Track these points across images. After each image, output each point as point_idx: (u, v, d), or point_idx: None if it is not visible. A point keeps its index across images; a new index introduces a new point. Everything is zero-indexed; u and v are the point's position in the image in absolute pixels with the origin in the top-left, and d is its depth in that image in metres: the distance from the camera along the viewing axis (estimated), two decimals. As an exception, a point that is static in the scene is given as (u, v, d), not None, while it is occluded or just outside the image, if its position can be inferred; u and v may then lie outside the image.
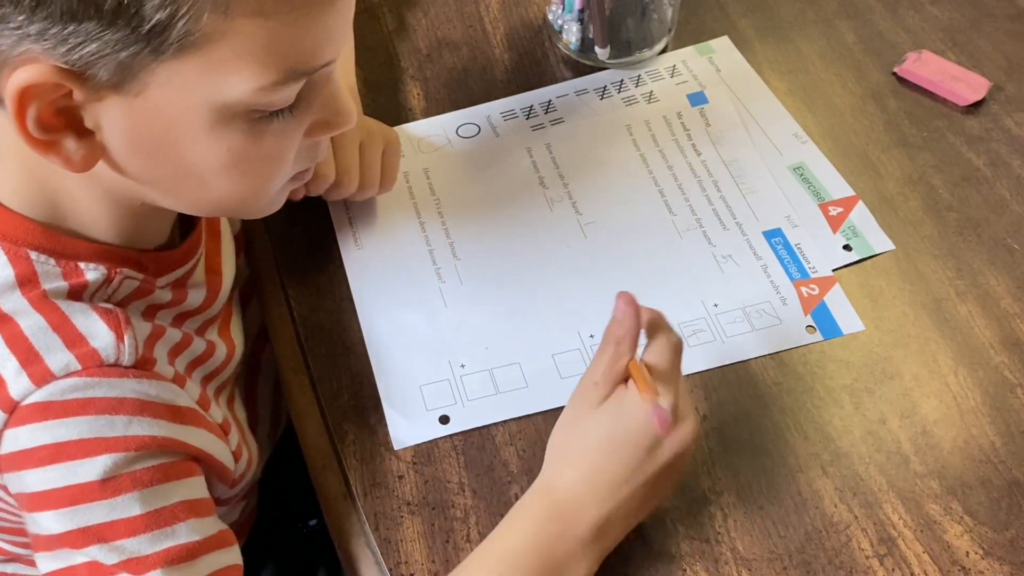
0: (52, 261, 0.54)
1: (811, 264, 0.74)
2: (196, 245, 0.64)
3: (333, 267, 0.76)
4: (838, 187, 0.79)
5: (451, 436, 0.67)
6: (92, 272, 0.55)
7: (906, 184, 0.79)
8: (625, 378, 0.61)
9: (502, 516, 0.63)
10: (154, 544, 0.52)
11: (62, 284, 0.54)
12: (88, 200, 0.55)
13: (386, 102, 0.87)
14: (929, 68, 0.86)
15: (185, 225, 0.65)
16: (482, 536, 0.62)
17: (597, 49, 0.88)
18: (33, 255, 0.54)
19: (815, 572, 0.61)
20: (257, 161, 0.53)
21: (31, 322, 0.52)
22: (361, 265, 0.76)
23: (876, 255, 0.75)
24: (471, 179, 0.82)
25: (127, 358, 0.53)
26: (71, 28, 0.44)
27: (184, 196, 0.56)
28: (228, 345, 0.67)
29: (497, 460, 0.66)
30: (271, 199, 0.59)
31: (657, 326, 0.62)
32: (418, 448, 0.66)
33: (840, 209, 0.78)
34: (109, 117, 0.49)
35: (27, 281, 0.53)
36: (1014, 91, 0.85)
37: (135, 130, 0.49)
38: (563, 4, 0.88)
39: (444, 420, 0.67)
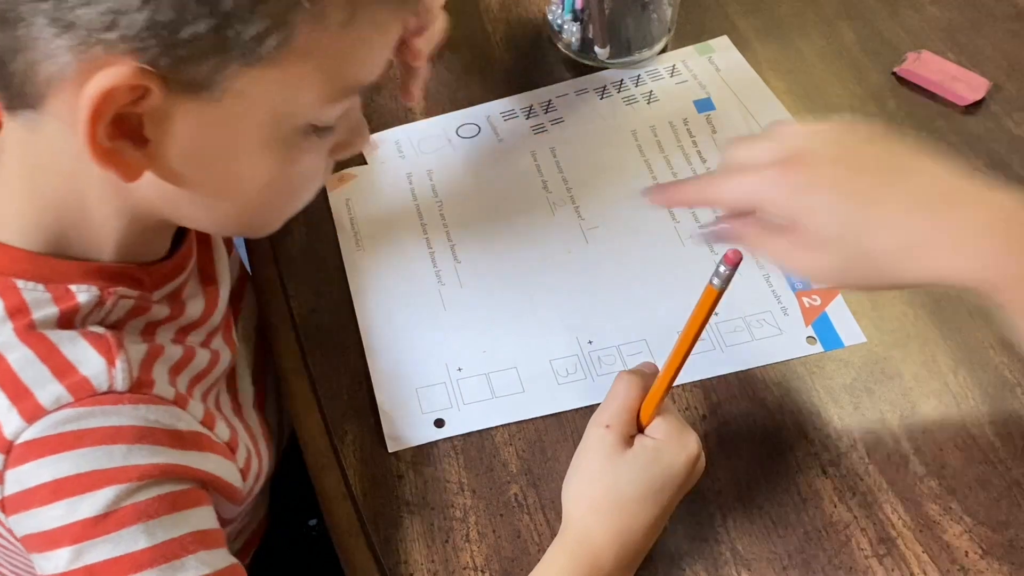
0: (41, 287, 0.52)
1: None
2: (188, 255, 0.62)
3: (333, 267, 0.76)
4: (838, 187, 0.79)
5: (451, 437, 0.67)
6: (83, 294, 0.53)
7: (906, 184, 0.79)
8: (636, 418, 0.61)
9: (501, 516, 0.63)
10: None
11: (52, 311, 0.52)
12: (103, 218, 0.54)
13: (386, 102, 0.87)
14: (929, 68, 0.86)
15: (175, 237, 0.63)
16: (481, 536, 0.63)
17: (597, 49, 0.88)
18: (20, 284, 0.52)
19: (814, 572, 0.61)
20: (295, 179, 0.53)
21: (18, 355, 0.50)
22: (361, 266, 0.76)
23: (876, 255, 0.75)
24: (474, 181, 0.82)
25: (121, 383, 0.51)
26: (177, 28, 0.43)
27: (216, 212, 0.54)
28: (231, 349, 0.66)
29: (496, 460, 0.66)
30: (287, 219, 0.59)
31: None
32: (418, 448, 0.67)
33: (840, 209, 0.78)
34: (174, 125, 0.47)
35: (16, 312, 0.51)
36: (1014, 91, 0.85)
37: (197, 140, 0.48)
38: (563, 4, 0.88)
39: (439, 424, 0.67)
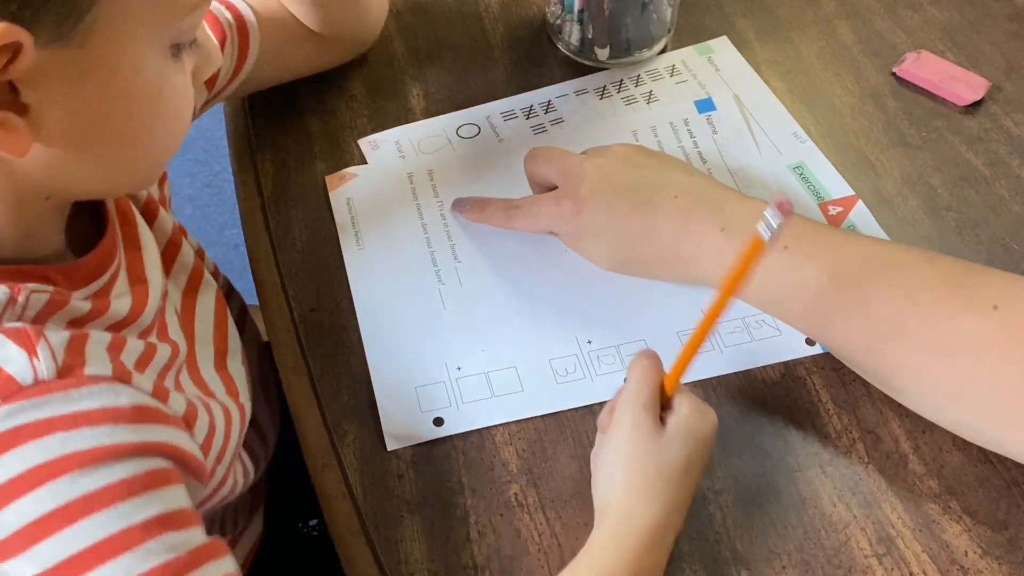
0: None
1: None
2: (109, 254, 0.60)
3: (333, 267, 0.77)
4: (838, 187, 0.79)
5: (451, 436, 0.67)
6: None
7: (905, 184, 0.79)
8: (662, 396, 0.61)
9: (502, 516, 0.63)
10: (128, 570, 0.47)
11: None
12: None
13: (386, 102, 0.88)
14: (928, 68, 0.86)
15: (88, 237, 0.61)
16: (481, 536, 0.63)
17: (597, 49, 0.88)
18: None
19: (814, 571, 0.61)
20: (173, 107, 0.53)
21: None
22: (362, 265, 0.76)
23: (875, 255, 0.75)
24: (474, 181, 0.82)
25: (46, 372, 0.49)
26: None
27: (109, 167, 0.54)
28: (171, 346, 0.63)
29: (497, 460, 0.66)
30: (170, 158, 0.59)
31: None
32: (418, 448, 0.67)
33: (840, 208, 0.78)
34: (51, 81, 0.47)
35: None
36: (1013, 91, 0.85)
37: (76, 90, 0.48)
38: (563, 4, 0.88)
39: (438, 422, 0.67)
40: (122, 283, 0.61)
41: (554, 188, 0.74)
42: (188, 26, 0.52)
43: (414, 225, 0.79)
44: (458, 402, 0.68)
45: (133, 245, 0.64)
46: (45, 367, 0.49)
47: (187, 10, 0.51)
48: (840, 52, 0.90)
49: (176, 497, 0.51)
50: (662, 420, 0.60)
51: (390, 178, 0.82)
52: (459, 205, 0.78)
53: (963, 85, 0.85)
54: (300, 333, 0.73)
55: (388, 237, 0.78)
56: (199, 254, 0.73)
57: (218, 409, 0.63)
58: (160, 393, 0.55)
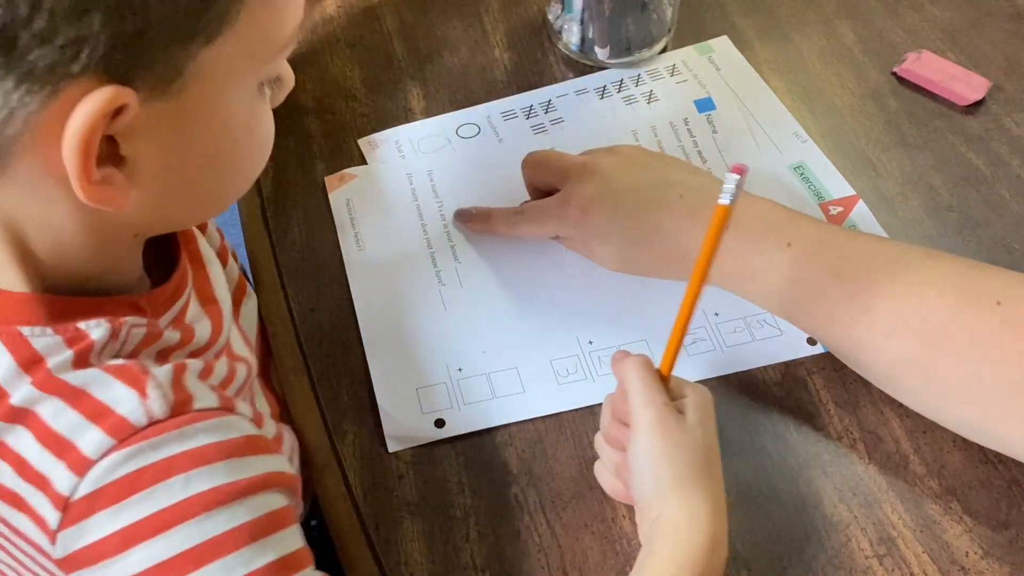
0: (49, 331, 0.49)
1: None
2: (185, 277, 0.60)
3: (333, 267, 0.76)
4: (838, 186, 0.79)
5: (451, 437, 0.67)
6: (96, 330, 0.50)
7: (906, 184, 0.79)
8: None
9: (502, 516, 0.63)
10: None
11: (67, 354, 0.49)
12: (73, 247, 0.51)
13: (386, 102, 0.87)
14: (929, 68, 0.86)
15: (154, 262, 0.61)
16: (481, 536, 0.63)
17: (597, 49, 0.88)
18: (26, 331, 0.49)
19: (815, 572, 0.61)
20: (264, 134, 0.53)
21: (48, 409, 0.48)
22: (362, 266, 0.76)
23: (876, 255, 0.75)
24: (474, 182, 0.82)
25: (160, 411, 0.48)
26: (142, 32, 0.41)
27: (201, 201, 0.53)
28: (243, 363, 0.63)
29: (497, 460, 0.66)
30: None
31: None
32: (418, 448, 0.67)
33: (841, 208, 0.78)
34: (149, 131, 0.46)
35: (31, 363, 0.48)
36: (1014, 91, 0.85)
37: (173, 138, 0.47)
38: (563, 4, 0.88)
39: (439, 424, 0.67)
40: (195, 305, 0.60)
41: (553, 193, 0.74)
42: (277, 66, 0.51)
43: (414, 226, 0.79)
44: (459, 403, 0.68)
45: (197, 262, 0.63)
46: (158, 406, 0.48)
47: (277, 52, 0.50)
48: (841, 52, 0.89)
49: (294, 539, 0.51)
50: (683, 405, 0.59)
51: (389, 179, 0.82)
52: (462, 217, 0.78)
53: (964, 85, 0.85)
54: (300, 333, 0.73)
55: (388, 238, 0.78)
56: (239, 264, 0.74)
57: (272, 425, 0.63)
58: (258, 420, 0.55)
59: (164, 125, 0.46)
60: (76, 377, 0.48)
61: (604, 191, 0.70)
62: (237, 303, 0.72)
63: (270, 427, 0.58)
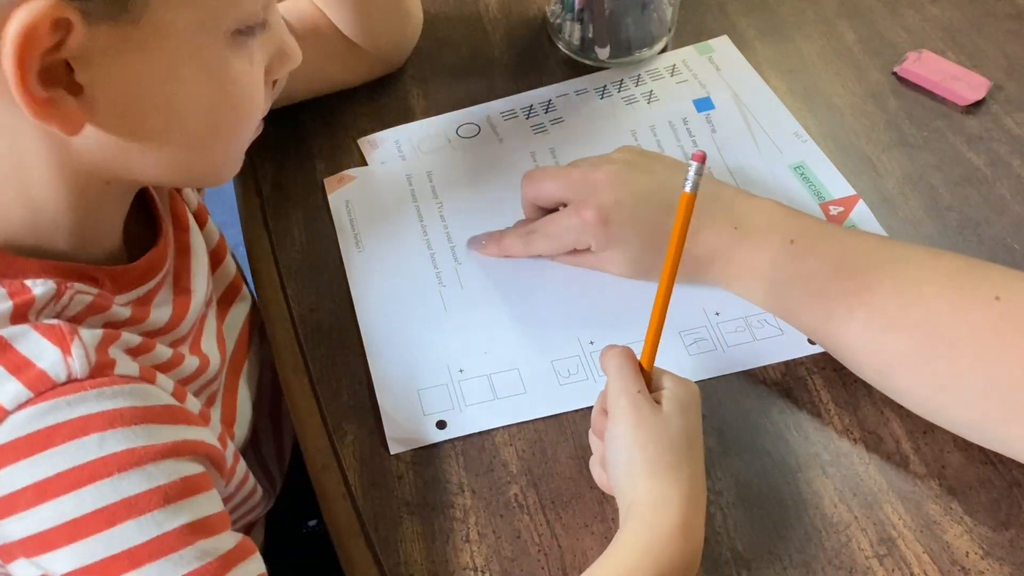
0: None
1: None
2: (160, 260, 0.60)
3: (333, 267, 0.76)
4: (839, 186, 0.79)
5: (452, 438, 0.67)
6: (39, 287, 0.51)
7: (906, 184, 0.79)
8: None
9: (502, 516, 0.63)
10: (162, 575, 0.49)
11: (6, 306, 0.50)
12: (46, 193, 0.52)
13: (386, 102, 0.87)
14: (929, 68, 0.86)
15: (142, 241, 0.61)
16: (481, 536, 0.63)
17: (597, 49, 0.88)
18: None
19: (815, 572, 0.61)
20: (234, 96, 0.52)
21: None
22: (362, 268, 0.76)
23: (876, 255, 0.75)
24: (474, 182, 0.81)
25: (80, 370, 0.49)
26: None
27: (166, 154, 0.53)
28: (201, 359, 0.63)
29: (497, 460, 0.66)
30: (240, 153, 0.58)
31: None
32: (418, 448, 0.66)
33: (841, 208, 0.78)
34: (104, 61, 0.46)
35: None
36: (1014, 91, 0.85)
37: (129, 72, 0.47)
38: (563, 3, 0.88)
39: (441, 425, 0.67)
40: (166, 291, 0.61)
41: (554, 209, 0.73)
42: (249, 12, 0.50)
43: (414, 227, 0.78)
44: (461, 404, 0.68)
45: (183, 251, 0.64)
46: (79, 365, 0.49)
47: None
48: (841, 51, 0.89)
49: (209, 503, 0.52)
50: (656, 400, 0.60)
51: (389, 180, 0.82)
52: (474, 243, 0.76)
53: (964, 85, 0.84)
54: (300, 333, 0.73)
55: (388, 239, 0.78)
56: (238, 267, 0.74)
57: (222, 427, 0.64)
58: (179, 394, 0.56)
59: (121, 55, 0.47)
60: (7, 331, 0.49)
61: (619, 198, 0.69)
62: (227, 303, 0.72)
63: (193, 406, 0.57)
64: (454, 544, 0.63)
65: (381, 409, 0.68)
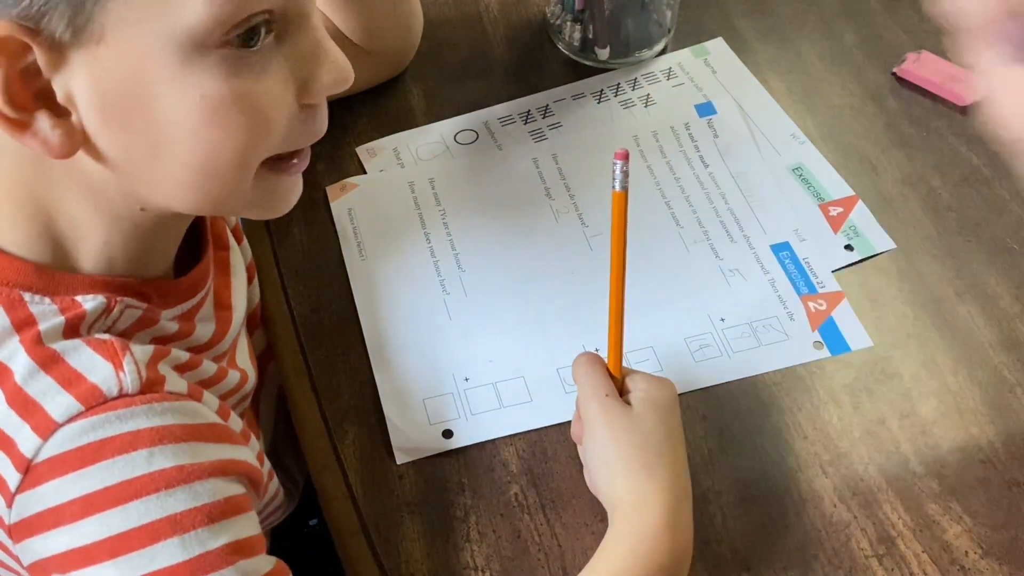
0: (48, 300, 0.51)
1: (819, 279, 0.74)
2: (203, 277, 0.60)
3: (333, 267, 0.76)
4: (838, 187, 0.79)
5: (457, 447, 0.67)
6: (90, 302, 0.51)
7: (906, 184, 0.79)
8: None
9: (502, 516, 0.63)
10: None
11: (58, 321, 0.50)
12: (84, 218, 0.52)
13: (386, 103, 0.87)
14: (928, 68, 0.86)
15: (191, 258, 0.61)
16: (482, 536, 0.63)
17: (597, 49, 0.88)
18: (27, 296, 0.50)
19: (814, 572, 0.61)
20: (235, 112, 0.47)
21: (23, 369, 0.49)
22: (365, 276, 0.76)
23: (877, 254, 0.75)
24: (476, 189, 0.81)
25: (131, 386, 0.49)
26: None
27: (174, 178, 0.50)
28: (240, 374, 0.64)
29: (497, 460, 0.66)
30: (271, 183, 0.53)
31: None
32: (418, 448, 0.67)
33: (840, 209, 0.78)
34: (78, 83, 0.46)
35: (23, 325, 0.50)
36: (1013, 91, 0.85)
37: (104, 90, 0.47)
38: (563, 4, 0.88)
39: (447, 434, 0.67)
40: (208, 307, 0.61)
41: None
42: (227, 18, 0.45)
43: (417, 234, 0.78)
44: (467, 413, 0.68)
45: (224, 270, 0.64)
46: (130, 380, 0.50)
47: (191, 19, 0.45)
48: (840, 52, 0.89)
49: (249, 525, 0.52)
50: (626, 403, 0.61)
51: (391, 187, 0.82)
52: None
53: (964, 85, 0.84)
54: (300, 333, 0.73)
55: (391, 247, 0.77)
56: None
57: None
58: (223, 413, 0.56)
59: (96, 78, 0.46)
60: (60, 345, 0.50)
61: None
62: (256, 321, 0.72)
63: (235, 424, 0.58)
64: (454, 543, 0.63)
65: (387, 419, 0.68)
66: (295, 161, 0.54)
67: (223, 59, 0.47)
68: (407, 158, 0.83)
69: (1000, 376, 0.68)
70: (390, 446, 0.66)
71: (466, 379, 0.70)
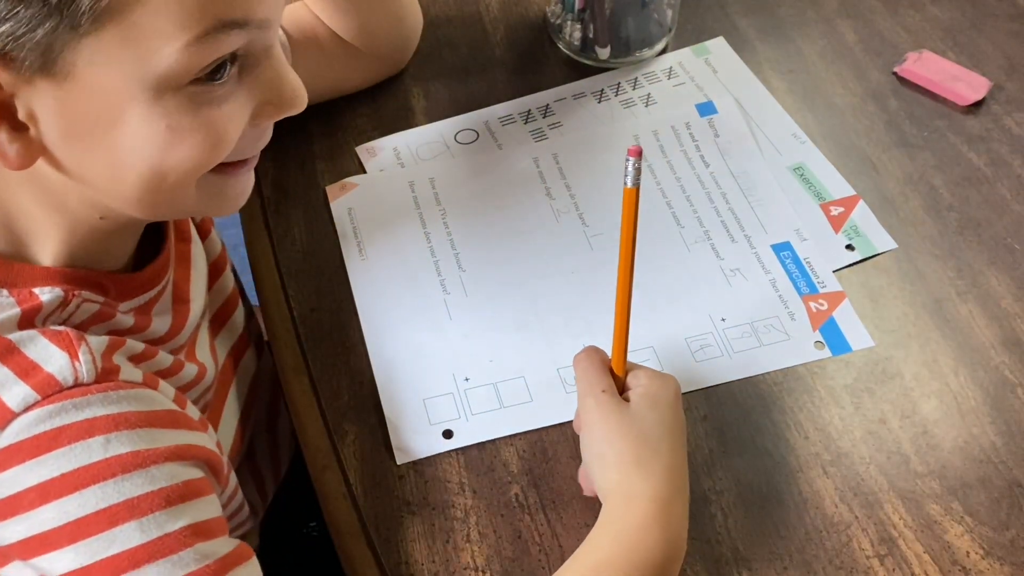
0: (5, 292, 0.52)
1: (820, 279, 0.74)
2: (162, 271, 0.61)
3: (333, 267, 0.76)
4: (839, 187, 0.79)
5: (457, 447, 0.67)
6: (47, 294, 0.52)
7: (906, 184, 0.79)
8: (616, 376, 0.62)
9: (502, 516, 0.63)
10: (162, 575, 0.49)
11: (14, 312, 0.51)
12: (44, 217, 0.53)
13: (386, 103, 0.87)
14: (929, 68, 0.86)
15: (151, 250, 0.62)
16: (482, 536, 0.63)
17: (598, 49, 0.88)
18: None
19: (815, 572, 0.61)
20: (195, 135, 0.50)
21: None
22: (365, 276, 0.76)
23: (878, 254, 0.75)
24: (476, 189, 0.81)
25: (86, 375, 0.50)
26: None
27: (125, 190, 0.52)
28: (199, 367, 0.64)
29: (497, 460, 0.66)
30: (216, 186, 0.55)
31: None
32: (418, 448, 0.67)
33: (841, 209, 0.78)
34: (42, 105, 0.47)
35: None
36: (1014, 91, 0.85)
37: (69, 117, 0.48)
38: (563, 3, 0.88)
39: (448, 434, 0.67)
40: (166, 300, 0.62)
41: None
42: (198, 63, 0.47)
43: (417, 234, 0.78)
44: (467, 414, 0.68)
45: (184, 262, 0.65)
46: (85, 370, 0.51)
47: (185, 47, 0.46)
48: (841, 52, 0.89)
49: (209, 508, 0.53)
50: (625, 399, 0.61)
51: (391, 187, 0.81)
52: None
53: (964, 85, 0.84)
54: (300, 333, 0.73)
55: (391, 247, 0.77)
56: (238, 281, 0.74)
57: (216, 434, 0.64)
58: (180, 401, 0.57)
59: (59, 103, 0.47)
60: (16, 336, 0.50)
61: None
62: (224, 316, 0.72)
63: (194, 413, 0.58)
64: (455, 544, 0.63)
65: (387, 419, 0.67)
66: (243, 167, 0.57)
67: (190, 94, 0.49)
68: (407, 158, 0.83)
69: (1001, 376, 0.68)
70: (390, 446, 0.66)
71: (466, 379, 0.70)
